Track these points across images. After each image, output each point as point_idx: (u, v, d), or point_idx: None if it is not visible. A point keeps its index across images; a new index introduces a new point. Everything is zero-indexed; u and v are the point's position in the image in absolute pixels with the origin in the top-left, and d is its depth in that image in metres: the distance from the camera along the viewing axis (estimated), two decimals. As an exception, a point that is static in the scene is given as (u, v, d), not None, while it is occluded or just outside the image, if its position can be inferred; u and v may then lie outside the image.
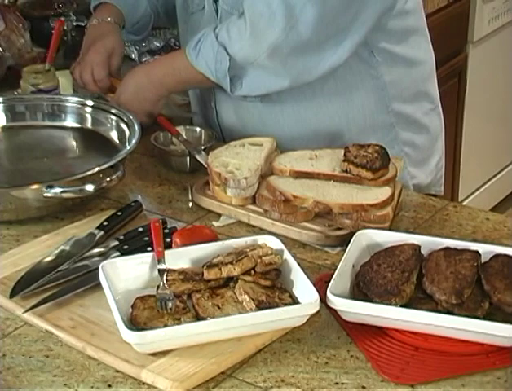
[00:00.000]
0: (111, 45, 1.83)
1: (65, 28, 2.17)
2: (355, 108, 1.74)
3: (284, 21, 1.57)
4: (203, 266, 1.28)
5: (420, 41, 1.80)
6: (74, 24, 2.24)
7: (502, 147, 3.26)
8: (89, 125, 1.76)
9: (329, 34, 1.62)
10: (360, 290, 1.26)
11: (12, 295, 1.30)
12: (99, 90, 1.82)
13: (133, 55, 2.16)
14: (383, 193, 1.47)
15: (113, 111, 1.73)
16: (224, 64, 1.64)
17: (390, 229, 1.42)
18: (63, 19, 2.15)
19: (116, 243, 1.41)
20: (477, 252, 1.29)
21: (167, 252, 1.31)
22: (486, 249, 1.30)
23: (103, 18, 1.86)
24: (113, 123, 1.72)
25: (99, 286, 1.27)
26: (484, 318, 1.20)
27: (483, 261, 1.28)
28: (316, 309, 1.22)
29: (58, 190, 1.47)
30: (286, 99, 1.71)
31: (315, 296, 1.22)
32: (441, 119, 1.89)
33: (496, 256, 1.29)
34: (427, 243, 1.32)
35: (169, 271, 1.28)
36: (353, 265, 1.30)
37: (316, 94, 1.71)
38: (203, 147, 1.66)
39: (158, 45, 2.18)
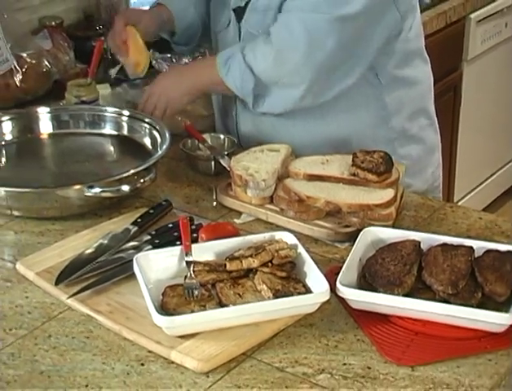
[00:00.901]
0: (143, 14, 1.84)
1: (105, 46, 2.16)
2: (359, 124, 1.72)
3: (305, 47, 1.57)
4: (226, 259, 1.27)
5: (419, 63, 1.77)
6: (113, 43, 2.23)
7: (493, 154, 3.24)
8: (125, 132, 1.76)
9: (344, 60, 1.61)
10: (366, 281, 1.25)
11: (57, 282, 1.30)
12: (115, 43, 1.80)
13: (164, 70, 2.16)
14: (387, 194, 1.45)
15: (147, 120, 1.72)
16: (249, 84, 1.63)
17: (393, 226, 1.41)
18: (103, 38, 2.15)
19: (149, 237, 1.40)
20: (471, 247, 1.28)
21: (194, 246, 1.31)
22: (479, 245, 1.29)
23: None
24: (147, 131, 1.71)
25: (133, 275, 1.26)
26: (477, 306, 1.19)
27: (476, 255, 1.27)
28: (327, 297, 1.21)
29: (97, 190, 1.47)
30: (297, 115, 1.70)
31: (326, 286, 1.21)
32: (437, 132, 1.86)
33: (488, 251, 1.28)
34: (426, 239, 1.31)
35: (195, 263, 1.28)
36: (360, 259, 1.29)
37: (326, 111, 1.69)
38: (226, 152, 1.66)
39: (187, 61, 2.17)
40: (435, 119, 1.85)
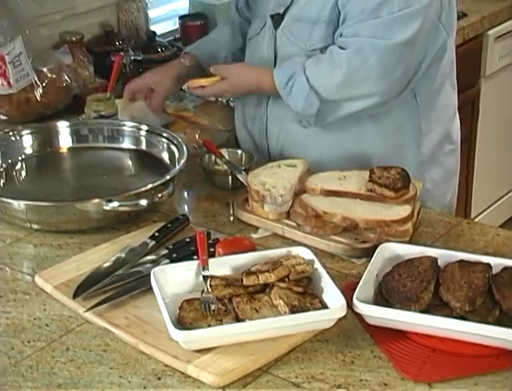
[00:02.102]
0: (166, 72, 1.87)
1: (124, 61, 2.18)
2: (392, 144, 1.71)
3: (377, 76, 1.58)
4: (242, 274, 1.27)
5: (449, 88, 1.77)
6: (132, 58, 2.25)
7: (510, 171, 3.22)
8: (143, 146, 1.77)
9: (404, 84, 1.64)
10: (383, 297, 1.24)
11: (75, 296, 1.30)
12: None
13: (182, 86, 2.16)
14: (404, 210, 1.45)
15: (165, 134, 1.73)
16: (314, 108, 1.61)
17: (410, 242, 1.41)
18: (122, 54, 2.16)
19: (166, 251, 1.40)
20: (488, 264, 1.27)
21: (211, 261, 1.31)
22: (496, 262, 1.29)
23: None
24: (165, 145, 1.72)
25: (150, 289, 1.27)
26: (495, 323, 1.18)
27: (493, 272, 1.26)
28: (343, 313, 1.21)
29: (116, 204, 1.48)
30: (334, 127, 1.68)
31: (343, 301, 1.21)
32: (458, 159, 1.85)
33: (506, 268, 1.27)
34: (443, 255, 1.31)
35: (212, 277, 1.28)
36: (376, 275, 1.29)
37: (363, 127, 1.69)
38: (243, 168, 1.66)
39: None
40: (459, 145, 1.84)
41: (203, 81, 1.75)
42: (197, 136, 1.88)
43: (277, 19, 1.69)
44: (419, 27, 1.57)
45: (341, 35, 1.61)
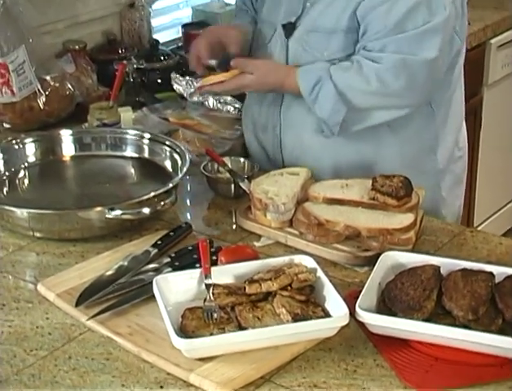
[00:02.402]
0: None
1: (127, 70, 2.19)
2: (409, 152, 1.72)
3: (407, 92, 1.60)
4: (245, 282, 1.27)
5: (459, 92, 1.79)
6: (135, 66, 2.25)
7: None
8: (146, 155, 1.77)
9: (431, 96, 1.66)
10: (386, 305, 1.24)
11: (77, 304, 1.30)
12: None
13: (184, 94, 2.18)
14: (407, 219, 1.45)
15: (168, 143, 1.73)
16: (340, 115, 1.61)
17: (412, 251, 1.41)
18: (125, 62, 2.17)
19: (169, 259, 1.40)
20: (491, 273, 1.27)
21: (213, 269, 1.31)
22: (499, 271, 1.28)
23: None
24: (167, 153, 1.72)
25: (153, 298, 1.27)
26: (498, 332, 1.18)
27: (496, 281, 1.26)
28: (346, 321, 1.21)
29: (118, 212, 1.48)
30: (351, 137, 1.68)
31: (345, 310, 1.21)
32: (466, 166, 1.86)
33: (509, 277, 1.27)
34: (446, 264, 1.31)
35: (215, 286, 1.28)
36: (379, 283, 1.29)
37: (380, 136, 1.69)
38: (246, 176, 1.66)
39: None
40: (466, 151, 1.85)
41: (221, 76, 1.68)
42: (200, 144, 1.89)
43: (289, 28, 1.68)
44: (442, 39, 1.59)
45: (364, 48, 1.61)
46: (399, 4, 1.57)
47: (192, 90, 2.16)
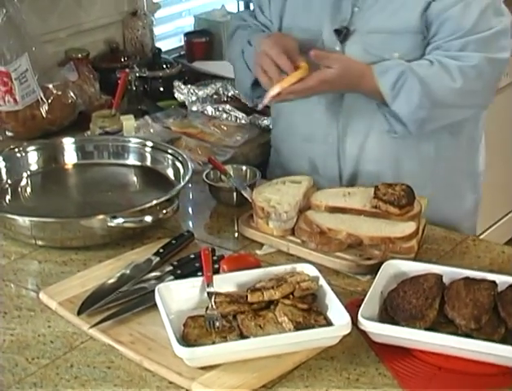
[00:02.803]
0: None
1: (129, 78, 2.19)
2: (465, 157, 1.75)
3: (491, 90, 1.66)
4: (247, 290, 1.27)
5: None
6: (137, 75, 2.26)
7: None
8: (148, 163, 1.77)
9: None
10: (388, 314, 1.24)
11: (79, 312, 1.30)
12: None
13: (186, 102, 2.18)
14: (409, 227, 1.45)
15: (170, 151, 1.73)
16: (423, 112, 1.59)
17: (415, 259, 1.41)
18: (127, 70, 2.18)
19: (171, 268, 1.40)
20: (494, 281, 1.27)
21: (215, 277, 1.31)
22: (502, 279, 1.28)
23: None
24: (170, 162, 1.72)
25: (155, 306, 1.27)
26: (500, 341, 1.18)
27: (499, 290, 1.26)
28: (348, 330, 1.21)
29: (120, 220, 1.48)
30: (412, 139, 1.66)
31: (347, 318, 1.21)
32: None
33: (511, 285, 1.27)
34: (448, 272, 1.30)
35: (217, 294, 1.28)
36: (381, 292, 1.29)
37: (439, 139, 1.69)
38: (248, 184, 1.66)
39: (208, 93, 2.19)
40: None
41: (298, 74, 1.54)
42: (202, 152, 1.89)
43: (345, 32, 1.65)
44: (510, 41, 1.63)
45: (439, 48, 1.61)
46: (472, 5, 1.59)
47: (194, 98, 2.17)
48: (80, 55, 2.23)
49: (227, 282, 1.31)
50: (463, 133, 1.73)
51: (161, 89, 2.29)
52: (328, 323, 1.23)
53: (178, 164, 1.69)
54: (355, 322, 1.21)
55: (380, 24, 1.64)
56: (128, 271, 1.39)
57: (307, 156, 1.77)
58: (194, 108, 2.15)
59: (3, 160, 1.73)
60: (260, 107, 1.63)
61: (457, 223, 1.73)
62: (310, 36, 1.68)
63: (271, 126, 1.96)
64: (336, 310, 1.24)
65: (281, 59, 1.56)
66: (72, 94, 2.06)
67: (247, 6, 2.69)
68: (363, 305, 1.23)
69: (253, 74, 1.69)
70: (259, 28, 1.81)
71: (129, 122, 1.93)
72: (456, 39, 1.60)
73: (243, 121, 2.08)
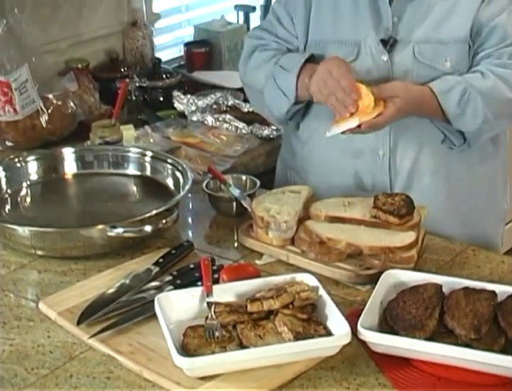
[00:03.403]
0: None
1: (129, 88, 2.20)
2: (505, 166, 1.76)
3: None
4: (247, 300, 1.27)
5: None
6: (137, 84, 2.27)
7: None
8: (148, 173, 1.77)
9: None
10: (388, 324, 1.24)
11: (79, 322, 1.30)
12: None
13: (186, 112, 2.19)
14: (408, 237, 1.45)
15: (169, 160, 1.73)
16: (488, 125, 1.60)
17: (414, 269, 1.41)
18: (127, 80, 2.18)
19: (170, 278, 1.40)
20: (493, 291, 1.27)
21: (215, 287, 1.31)
22: (502, 289, 1.28)
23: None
24: (169, 171, 1.73)
25: (154, 316, 1.27)
26: (500, 352, 1.17)
27: (499, 300, 1.26)
28: (348, 340, 1.21)
29: (120, 230, 1.48)
30: (462, 150, 1.65)
31: (347, 328, 1.21)
32: None
33: (511, 296, 1.27)
34: (448, 282, 1.30)
35: (216, 304, 1.28)
36: (381, 302, 1.29)
37: (483, 149, 1.70)
38: (248, 194, 1.67)
39: (208, 103, 2.20)
40: None
41: (379, 109, 1.52)
42: (201, 162, 1.89)
43: (392, 42, 1.63)
44: None
45: (490, 56, 1.61)
46: None
47: (194, 108, 2.17)
48: (80, 65, 2.24)
49: (226, 292, 1.31)
50: (500, 140, 1.74)
51: (161, 99, 2.30)
52: (328, 333, 1.23)
53: (178, 174, 1.69)
54: (354, 332, 1.21)
55: (427, 34, 1.63)
56: (128, 281, 1.39)
57: (352, 172, 1.70)
58: (194, 118, 2.16)
59: (3, 169, 1.73)
60: (328, 135, 1.58)
61: (494, 234, 1.76)
62: (347, 48, 1.65)
63: (283, 139, 1.88)
64: (336, 320, 1.24)
65: (355, 93, 1.52)
66: (72, 104, 2.06)
67: (247, 17, 2.71)
68: (362, 315, 1.23)
69: (293, 100, 1.65)
70: (281, 45, 1.74)
71: (129, 132, 1.93)
72: (507, 46, 1.60)
73: (243, 131, 2.09)
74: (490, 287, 1.28)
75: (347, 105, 1.53)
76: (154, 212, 1.52)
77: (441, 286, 1.29)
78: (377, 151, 1.67)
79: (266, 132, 2.07)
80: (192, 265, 1.43)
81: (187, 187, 1.61)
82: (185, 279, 1.40)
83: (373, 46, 1.65)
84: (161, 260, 1.46)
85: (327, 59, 1.62)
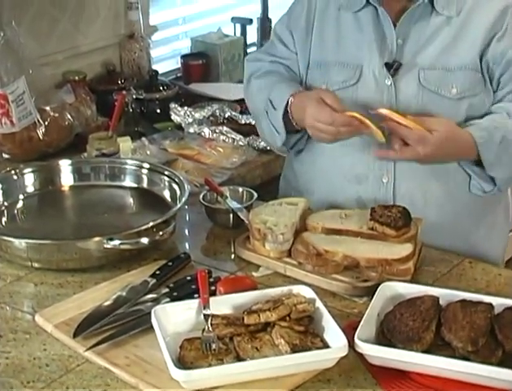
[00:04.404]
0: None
1: (126, 100, 2.20)
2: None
3: None
4: (244, 312, 1.27)
5: None
6: (134, 97, 2.27)
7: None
8: (145, 185, 1.77)
9: None
10: (385, 336, 1.24)
11: (75, 335, 1.30)
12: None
13: (183, 124, 2.19)
14: (405, 249, 1.45)
15: (166, 172, 1.73)
16: None
17: (411, 281, 1.41)
18: (124, 92, 2.19)
19: (167, 290, 1.40)
20: (490, 304, 1.27)
21: (212, 299, 1.31)
22: (498, 302, 1.28)
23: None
24: (166, 183, 1.73)
25: (151, 328, 1.26)
26: (498, 364, 1.17)
27: (496, 312, 1.26)
28: (345, 352, 1.20)
29: (117, 242, 1.48)
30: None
31: (344, 341, 1.21)
32: None
33: (508, 308, 1.27)
34: (445, 295, 1.30)
35: (213, 316, 1.27)
36: (378, 314, 1.28)
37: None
38: (244, 206, 1.67)
39: (204, 115, 2.20)
40: None
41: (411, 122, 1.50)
42: (198, 174, 1.89)
43: (397, 66, 1.61)
44: None
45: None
46: None
47: (191, 120, 2.18)
48: (77, 78, 2.24)
49: (223, 304, 1.31)
50: None
51: (158, 111, 2.30)
52: (325, 346, 1.23)
53: (175, 186, 1.69)
54: (351, 344, 1.21)
55: (432, 60, 1.61)
56: (124, 293, 1.39)
57: (355, 197, 1.67)
58: (191, 130, 2.16)
59: (0, 182, 1.73)
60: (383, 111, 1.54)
61: (497, 256, 1.74)
62: (349, 70, 1.64)
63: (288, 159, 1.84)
64: (332, 332, 1.24)
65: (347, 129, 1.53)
66: (69, 116, 2.07)
67: (244, 30, 2.72)
68: (359, 328, 1.23)
69: (284, 136, 1.66)
70: (279, 65, 1.74)
71: (125, 144, 1.94)
72: None
73: (240, 143, 2.09)
74: (487, 299, 1.29)
75: (331, 134, 1.54)
76: (151, 224, 1.52)
77: (438, 298, 1.29)
78: (381, 178, 1.65)
79: (263, 144, 2.07)
80: (188, 278, 1.43)
81: (183, 199, 1.61)
82: (182, 291, 1.39)
83: (377, 69, 1.62)
84: (157, 272, 1.46)
85: (308, 96, 1.60)
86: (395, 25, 1.62)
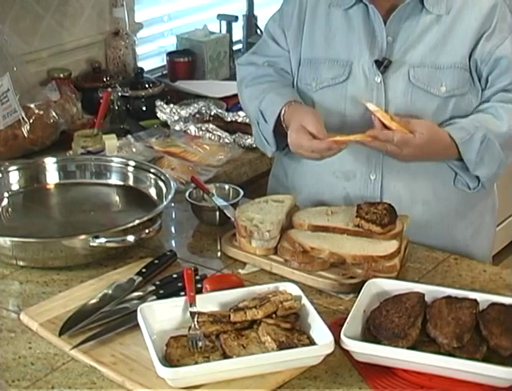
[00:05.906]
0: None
1: (112, 98, 2.19)
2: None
3: None
4: (230, 310, 1.27)
5: None
6: (119, 94, 2.26)
7: (503, 203, 3.23)
8: (131, 182, 1.77)
9: None
10: (371, 333, 1.24)
11: (61, 333, 1.29)
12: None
13: (168, 122, 2.19)
14: (391, 246, 1.46)
15: (152, 170, 1.73)
16: (503, 169, 1.62)
17: (397, 278, 1.41)
18: (110, 90, 2.18)
19: (153, 288, 1.40)
20: (475, 300, 1.28)
21: (198, 297, 1.31)
22: (483, 298, 1.29)
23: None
24: (152, 181, 1.72)
25: (137, 326, 1.26)
26: (482, 360, 1.18)
27: (480, 308, 1.27)
28: (331, 349, 1.21)
29: (103, 240, 1.48)
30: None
31: (330, 338, 1.21)
32: None
33: (493, 304, 1.28)
34: (431, 291, 1.31)
35: (199, 314, 1.27)
36: (364, 311, 1.29)
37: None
38: (231, 203, 1.67)
39: (190, 112, 2.20)
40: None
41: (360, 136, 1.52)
42: (184, 171, 1.89)
43: (387, 64, 1.61)
44: None
45: (503, 89, 1.60)
46: None
47: (177, 117, 2.17)
48: (62, 75, 2.23)
49: (209, 301, 1.31)
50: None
51: (144, 108, 2.30)
52: (311, 343, 1.23)
53: (161, 184, 1.69)
54: (338, 341, 1.21)
55: (422, 58, 1.61)
56: (110, 291, 1.39)
57: (342, 194, 1.68)
58: (177, 128, 2.16)
59: (-16, 180, 1.72)
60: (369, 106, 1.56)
61: (484, 254, 1.75)
62: (339, 67, 1.64)
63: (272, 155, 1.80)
64: (319, 329, 1.24)
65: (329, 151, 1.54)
66: (54, 113, 2.06)
67: (229, 27, 2.71)
68: (346, 325, 1.23)
69: (274, 148, 1.69)
70: (271, 68, 1.74)
71: (111, 142, 1.93)
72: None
73: (226, 140, 2.09)
74: (472, 295, 1.29)
75: (315, 158, 1.56)
76: (137, 222, 1.52)
77: (424, 295, 1.30)
78: (368, 175, 1.66)
79: (249, 141, 2.07)
80: (174, 275, 1.43)
81: (170, 197, 1.61)
82: (168, 289, 1.39)
83: (367, 66, 1.63)
84: (143, 270, 1.45)
85: (293, 119, 1.59)
86: (385, 23, 1.62)
